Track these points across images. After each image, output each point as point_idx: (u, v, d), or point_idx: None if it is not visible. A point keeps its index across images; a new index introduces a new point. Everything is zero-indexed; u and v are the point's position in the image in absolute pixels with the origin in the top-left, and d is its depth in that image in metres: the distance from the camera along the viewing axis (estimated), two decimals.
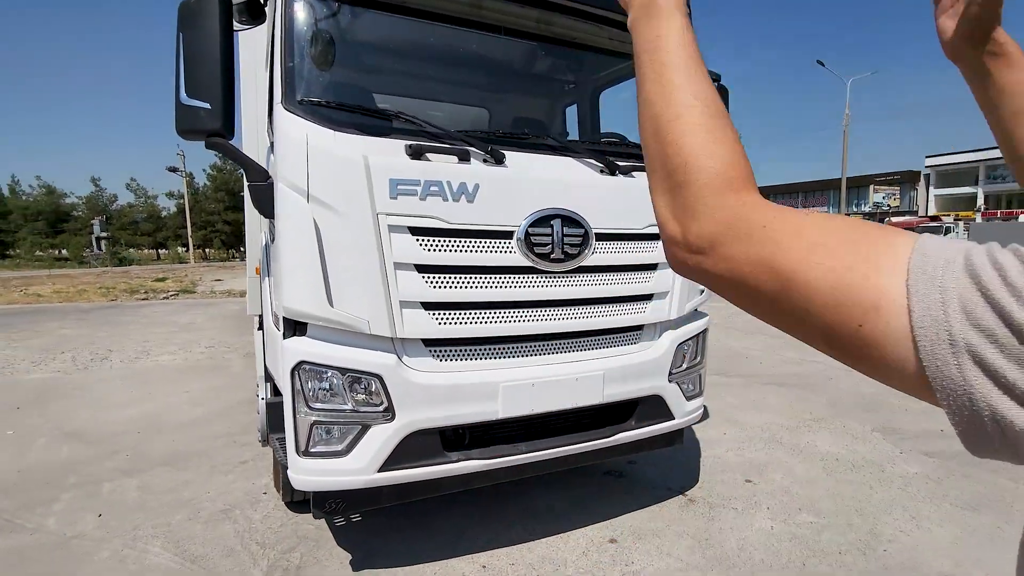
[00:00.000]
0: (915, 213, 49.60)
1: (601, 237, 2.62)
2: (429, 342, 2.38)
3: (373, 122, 2.28)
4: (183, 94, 2.20)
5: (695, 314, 3.16)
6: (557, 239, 2.47)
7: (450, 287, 2.34)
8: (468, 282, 2.37)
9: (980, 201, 42.13)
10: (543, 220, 2.45)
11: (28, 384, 6.13)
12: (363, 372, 2.25)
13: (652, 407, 2.92)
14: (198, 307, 13.77)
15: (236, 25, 2.43)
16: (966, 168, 45.18)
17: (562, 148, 2.63)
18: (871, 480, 3.72)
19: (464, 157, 2.33)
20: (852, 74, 29.92)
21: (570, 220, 2.51)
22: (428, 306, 2.32)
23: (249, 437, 4.37)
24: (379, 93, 3.14)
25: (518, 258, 2.43)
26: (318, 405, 2.24)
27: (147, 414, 5.08)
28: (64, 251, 37.51)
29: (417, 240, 2.27)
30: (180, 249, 43.88)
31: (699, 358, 3.15)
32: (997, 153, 1.18)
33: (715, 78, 3.32)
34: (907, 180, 52.27)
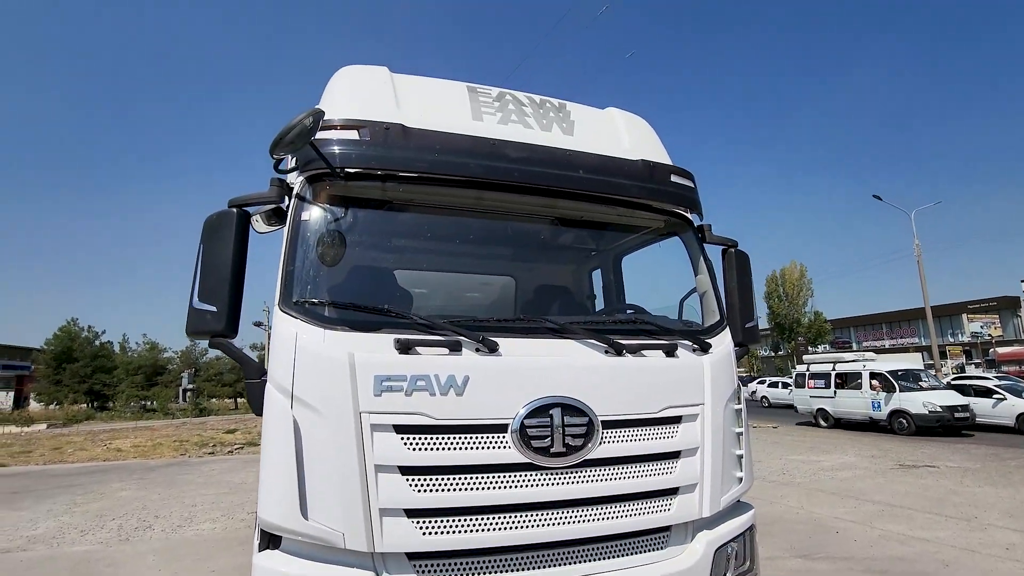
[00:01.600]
0: (1023, 342, 44.83)
1: (609, 425, 2.38)
2: (413, 556, 2.12)
3: (364, 318, 2.30)
4: (195, 299, 2.35)
5: (737, 507, 2.72)
6: (557, 430, 2.26)
7: (437, 490, 2.13)
8: (457, 484, 2.16)
9: None
10: (540, 410, 2.27)
11: (67, 558, 6.10)
12: None
13: None
14: (256, 463, 13.85)
15: (264, 228, 2.66)
16: None
17: (561, 330, 2.53)
18: None
19: (455, 348, 2.27)
20: (915, 205, 29.39)
21: (571, 408, 2.31)
22: (412, 513, 2.10)
23: None
24: (401, 270, 3.28)
25: (513, 454, 2.21)
26: None
27: None
28: (154, 403, 40.18)
29: (402, 439, 2.13)
30: None
31: (748, 563, 2.63)
32: None
33: (731, 244, 3.24)
34: (1005, 306, 48.11)
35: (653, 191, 2.96)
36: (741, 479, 2.68)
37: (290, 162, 2.59)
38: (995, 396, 16.50)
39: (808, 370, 20.27)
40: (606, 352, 2.51)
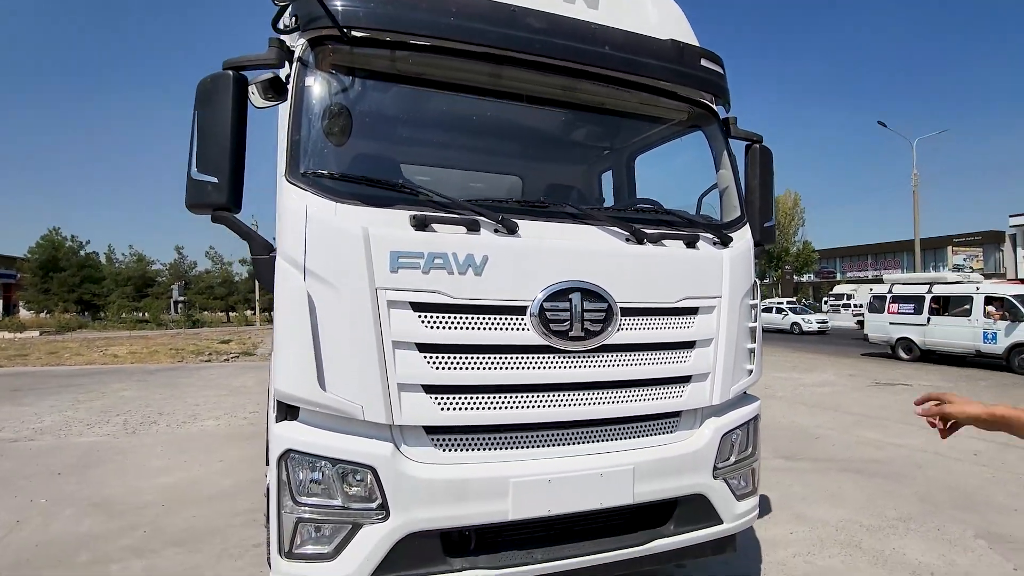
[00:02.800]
0: (1003, 276, 45.76)
1: (628, 312, 2.35)
2: (431, 429, 2.14)
3: (377, 192, 2.18)
4: (194, 169, 2.19)
5: (744, 398, 2.77)
6: (576, 315, 2.23)
7: (455, 368, 2.12)
8: (476, 363, 2.14)
9: None
10: (560, 294, 2.22)
11: (77, 447, 6.28)
12: (355, 463, 2.02)
13: (695, 508, 2.51)
14: (253, 369, 14.16)
15: (262, 102, 2.45)
16: None
17: (582, 216, 2.44)
18: None
19: (473, 227, 2.18)
20: (918, 134, 28.67)
21: (591, 293, 2.26)
22: (430, 389, 2.10)
23: None
24: (403, 162, 3.11)
25: (532, 336, 2.19)
26: (305, 500, 2.02)
27: (177, 484, 5.01)
28: (146, 314, 40.37)
29: (419, 316, 2.09)
30: (248, 312, 46.32)
31: (750, 449, 2.73)
32: None
33: (756, 140, 3.09)
34: (989, 240, 48.66)
35: (682, 75, 2.76)
36: (751, 371, 2.71)
37: (290, 22, 2.34)
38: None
39: (891, 292, 16.41)
40: (627, 240, 2.43)
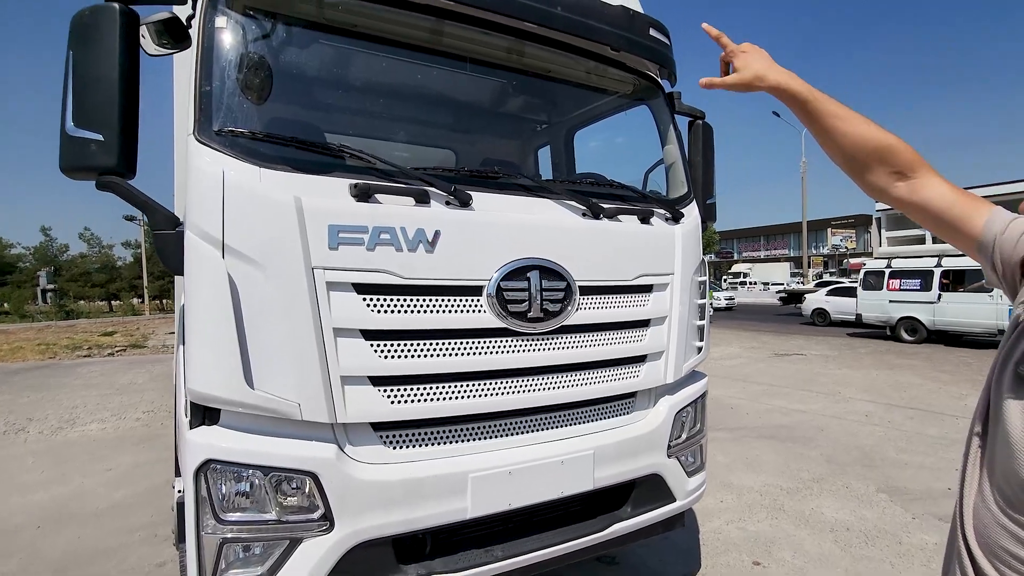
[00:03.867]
0: (870, 255, 51.69)
1: (586, 291, 2.23)
2: (379, 425, 1.91)
3: (311, 157, 1.88)
4: (69, 124, 1.76)
5: (693, 375, 2.78)
6: (535, 294, 2.07)
7: (406, 356, 1.89)
8: (428, 349, 1.93)
9: (928, 242, 44.14)
10: (518, 272, 2.05)
11: None
12: (291, 470, 1.75)
13: (650, 489, 2.48)
14: (145, 364, 12.77)
15: (156, 49, 2.04)
16: None
17: (538, 188, 2.28)
18: (890, 556, 3.31)
19: (422, 198, 1.94)
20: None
21: (550, 272, 2.12)
22: (377, 381, 1.86)
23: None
24: (324, 130, 2.77)
25: (489, 318, 2.01)
26: (231, 516, 1.72)
27: (56, 500, 4.33)
28: (6, 304, 35.31)
29: (364, 300, 1.83)
30: (135, 301, 41.91)
31: (699, 426, 2.74)
32: None
33: (699, 116, 3.08)
34: (861, 223, 54.74)
35: (632, 43, 2.64)
36: (700, 348, 2.71)
37: None
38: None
39: (889, 267, 14.88)
40: (583, 214, 2.30)
